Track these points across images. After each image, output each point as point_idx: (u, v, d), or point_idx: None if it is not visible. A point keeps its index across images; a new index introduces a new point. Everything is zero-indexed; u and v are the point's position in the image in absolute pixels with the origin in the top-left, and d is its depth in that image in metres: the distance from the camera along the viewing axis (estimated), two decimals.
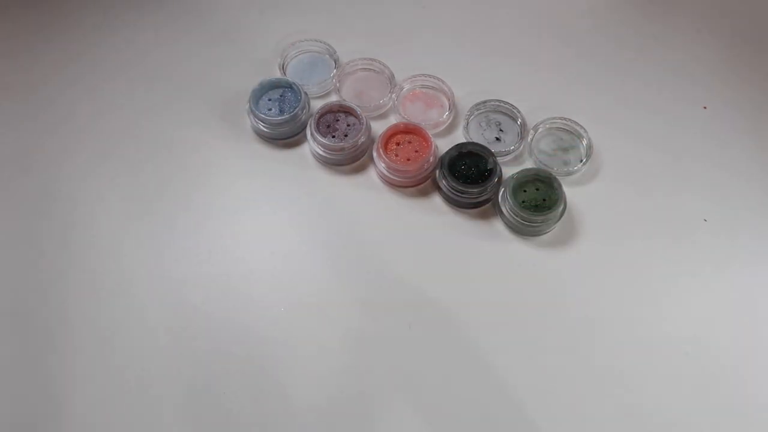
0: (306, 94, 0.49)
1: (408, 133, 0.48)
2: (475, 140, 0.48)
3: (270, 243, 0.45)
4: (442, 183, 0.46)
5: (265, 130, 0.49)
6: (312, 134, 0.47)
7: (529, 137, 0.48)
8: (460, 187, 0.45)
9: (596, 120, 0.49)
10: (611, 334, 0.42)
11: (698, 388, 0.40)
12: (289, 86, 0.49)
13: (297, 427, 0.40)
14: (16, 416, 0.40)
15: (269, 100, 0.49)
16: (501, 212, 0.46)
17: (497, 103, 0.49)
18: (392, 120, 0.50)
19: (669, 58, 0.54)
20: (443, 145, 0.47)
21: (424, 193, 0.47)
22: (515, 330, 0.42)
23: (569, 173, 0.47)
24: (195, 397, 0.40)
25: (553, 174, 0.45)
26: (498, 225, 0.46)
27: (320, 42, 0.52)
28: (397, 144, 0.47)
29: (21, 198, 0.47)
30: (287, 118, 0.48)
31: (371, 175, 0.48)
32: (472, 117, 0.49)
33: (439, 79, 0.50)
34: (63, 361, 0.41)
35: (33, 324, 0.42)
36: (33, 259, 0.45)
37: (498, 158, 0.46)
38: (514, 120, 0.49)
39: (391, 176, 0.47)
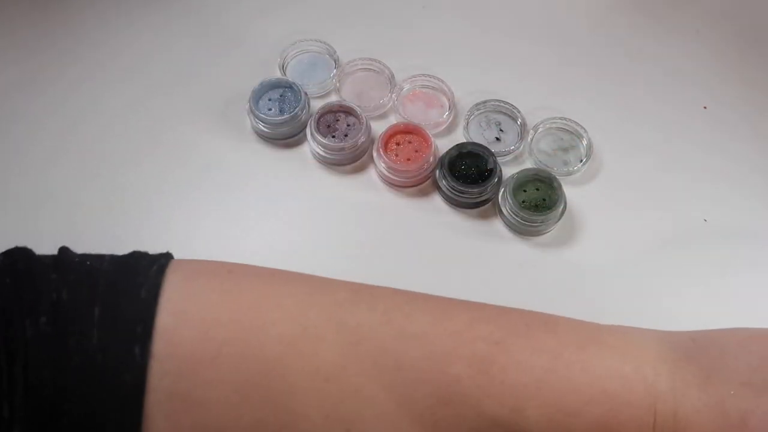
0: (306, 94, 0.49)
1: (408, 133, 0.48)
2: (475, 140, 0.48)
3: (269, 243, 0.45)
4: (442, 183, 0.46)
5: (265, 130, 0.48)
6: (312, 134, 0.47)
7: (529, 137, 0.48)
8: (460, 187, 0.45)
9: (596, 120, 0.49)
10: None
11: None
12: (289, 86, 0.49)
13: None
14: None
15: (269, 100, 0.49)
16: (501, 212, 0.46)
17: (497, 103, 0.50)
18: (392, 120, 0.50)
19: (669, 58, 0.54)
20: (443, 145, 0.47)
21: (424, 193, 0.47)
22: None
23: (569, 173, 0.47)
24: None
25: (553, 174, 0.45)
26: (498, 225, 0.46)
27: (320, 42, 0.52)
28: (397, 144, 0.47)
29: (14, 202, 0.47)
30: (287, 118, 0.48)
31: (371, 175, 0.48)
32: (472, 117, 0.50)
33: (439, 79, 0.50)
34: None
35: None
36: None
37: (498, 158, 0.46)
38: (514, 120, 0.49)
39: (391, 176, 0.47)
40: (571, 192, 0.46)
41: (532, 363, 0.29)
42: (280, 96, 0.49)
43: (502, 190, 0.45)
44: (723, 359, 0.30)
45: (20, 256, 0.30)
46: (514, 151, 0.48)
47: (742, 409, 0.27)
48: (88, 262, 0.29)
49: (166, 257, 0.31)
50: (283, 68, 0.52)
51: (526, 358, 0.30)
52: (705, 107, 0.51)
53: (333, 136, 0.47)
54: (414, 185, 0.47)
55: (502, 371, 0.29)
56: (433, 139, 0.47)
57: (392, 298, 0.33)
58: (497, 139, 0.49)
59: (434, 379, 0.29)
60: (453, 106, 0.50)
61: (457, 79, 0.50)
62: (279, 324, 0.29)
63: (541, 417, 0.28)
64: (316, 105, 0.49)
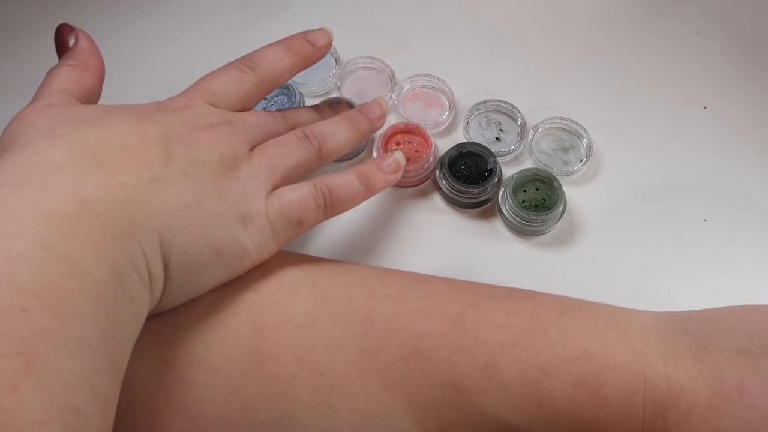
0: (301, 94, 0.49)
1: (408, 133, 0.47)
2: (475, 140, 0.48)
3: None
4: (442, 183, 0.46)
5: None
6: None
7: (529, 137, 0.48)
8: (460, 187, 0.45)
9: (596, 120, 0.49)
10: None
11: None
12: (285, 86, 0.49)
13: None
14: None
15: (264, 99, 0.49)
16: (501, 212, 0.46)
17: (497, 103, 0.49)
18: (392, 120, 0.50)
19: (669, 58, 0.54)
20: (443, 145, 0.47)
21: (424, 193, 0.47)
22: None
23: (569, 173, 0.47)
24: None
25: (553, 174, 0.45)
26: (498, 225, 0.46)
27: None
28: (397, 144, 0.47)
29: None
30: None
31: None
32: (472, 117, 0.49)
33: (439, 79, 0.50)
34: None
35: None
36: None
37: (498, 158, 0.46)
38: (514, 120, 0.49)
39: None
40: (571, 192, 0.46)
41: (508, 322, 0.29)
42: (276, 95, 0.49)
43: (502, 190, 0.45)
44: (720, 330, 0.29)
45: None
46: (514, 151, 0.48)
47: (739, 373, 0.27)
48: None
49: None
50: None
51: (502, 318, 0.29)
52: (705, 107, 0.51)
53: None
54: (414, 185, 0.47)
55: (475, 328, 0.29)
56: (433, 139, 0.47)
57: (370, 268, 0.34)
58: (497, 139, 0.49)
59: (405, 332, 0.29)
60: (453, 106, 0.50)
61: (457, 79, 0.50)
62: (257, 277, 0.31)
63: (517, 374, 0.28)
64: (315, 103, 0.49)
